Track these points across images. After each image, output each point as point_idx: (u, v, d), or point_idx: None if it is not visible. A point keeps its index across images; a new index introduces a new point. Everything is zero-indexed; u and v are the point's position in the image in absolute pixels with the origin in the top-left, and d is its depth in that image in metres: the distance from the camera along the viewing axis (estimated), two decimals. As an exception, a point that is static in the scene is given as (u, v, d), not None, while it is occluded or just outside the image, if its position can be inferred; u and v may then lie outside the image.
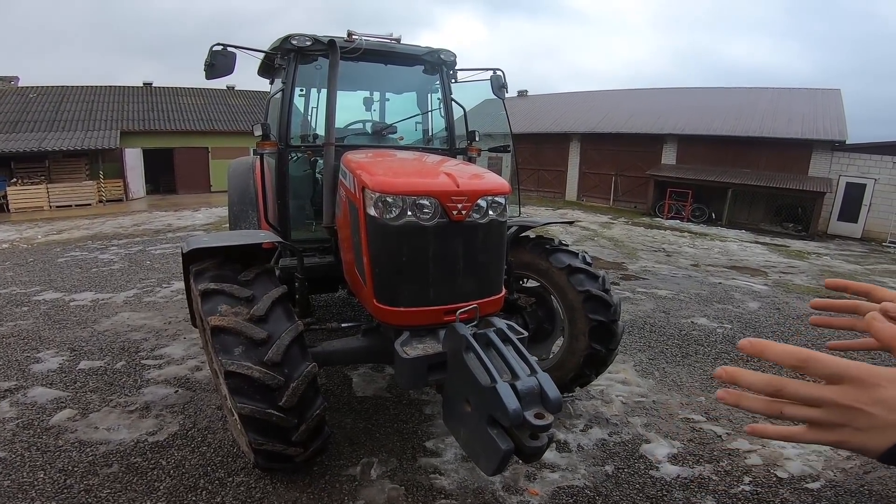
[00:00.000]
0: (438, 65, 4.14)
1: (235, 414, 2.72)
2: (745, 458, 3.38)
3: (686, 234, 14.47)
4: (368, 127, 4.42)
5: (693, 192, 17.36)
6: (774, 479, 3.17)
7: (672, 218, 17.53)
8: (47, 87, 22.42)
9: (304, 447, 2.60)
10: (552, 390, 2.16)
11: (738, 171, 17.11)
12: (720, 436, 3.64)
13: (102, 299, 6.57)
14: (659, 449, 3.43)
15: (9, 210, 17.11)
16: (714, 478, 3.15)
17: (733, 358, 5.09)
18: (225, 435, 3.40)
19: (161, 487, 2.85)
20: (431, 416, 3.75)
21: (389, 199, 2.57)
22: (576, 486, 3.03)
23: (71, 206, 17.94)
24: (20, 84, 22.39)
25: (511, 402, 2.06)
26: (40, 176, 18.18)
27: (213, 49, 3.24)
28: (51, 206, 17.68)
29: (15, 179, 17.73)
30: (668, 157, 19.15)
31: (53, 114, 20.60)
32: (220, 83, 25.01)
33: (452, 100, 4.27)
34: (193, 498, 2.78)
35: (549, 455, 3.23)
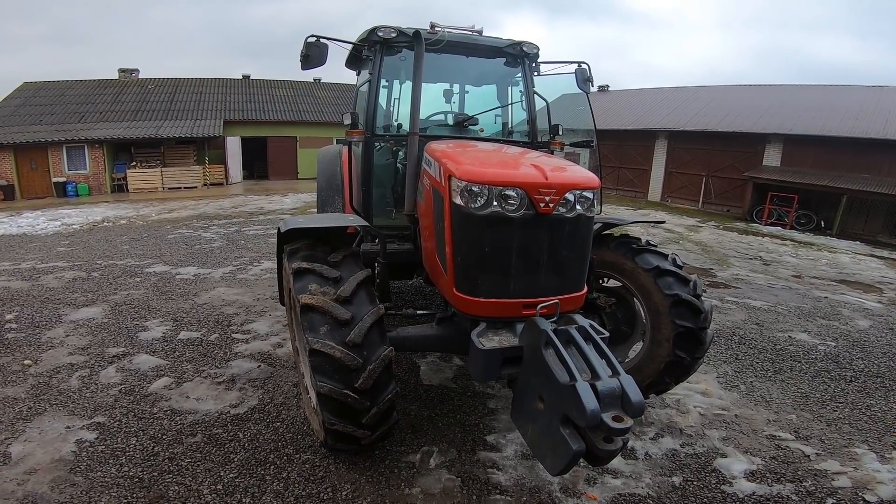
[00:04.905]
0: (521, 57, 4.07)
1: (312, 392, 2.84)
2: (833, 479, 3.10)
3: (788, 242, 13.18)
4: (450, 118, 4.44)
5: (799, 198, 15.76)
6: (861, 502, 2.91)
7: (772, 224, 16.03)
8: (163, 78, 24.90)
9: (372, 430, 2.66)
10: (635, 393, 2.06)
11: (856, 177, 15.24)
12: (808, 455, 3.34)
13: (203, 274, 7.20)
14: (736, 464, 3.21)
15: (128, 190, 19.30)
16: (794, 497, 2.91)
17: (835, 377, 4.59)
18: (297, 412, 3.57)
19: (235, 459, 3.04)
20: (495, 410, 3.73)
21: (476, 189, 2.56)
22: (638, 494, 2.90)
23: (180, 188, 19.88)
24: (140, 76, 24.98)
25: (590, 401, 1.99)
26: (156, 160, 20.27)
27: (308, 40, 3.39)
28: (164, 188, 19.69)
29: (134, 163, 19.93)
30: (772, 158, 17.47)
31: (168, 104, 22.85)
32: (308, 76, 26.51)
33: (535, 92, 4.18)
34: (262, 472, 2.94)
35: (614, 461, 3.10)
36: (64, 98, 22.04)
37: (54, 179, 18.63)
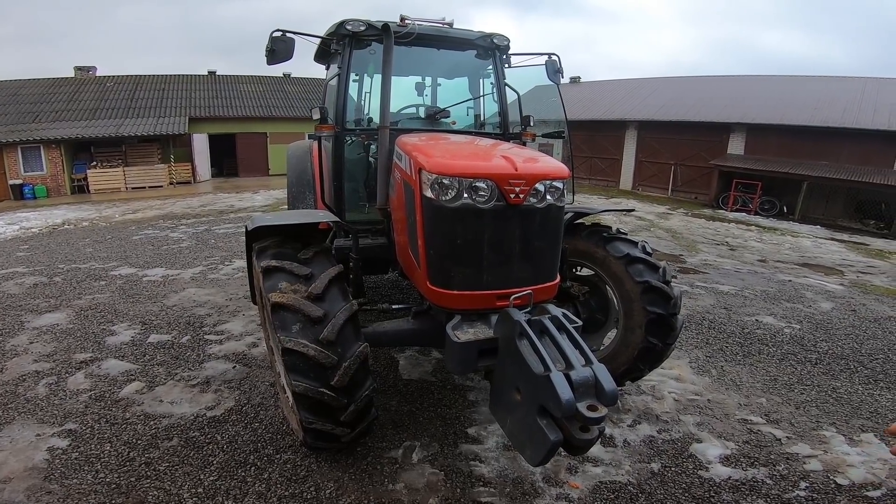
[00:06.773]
0: (492, 49, 4.07)
1: (288, 391, 2.80)
2: (805, 462, 3.21)
3: (753, 227, 13.63)
4: (421, 111, 4.41)
5: (762, 185, 16.30)
6: (833, 485, 3.01)
7: (738, 210, 16.56)
8: (123, 76, 23.95)
9: (351, 427, 2.64)
10: (608, 382, 2.09)
11: (815, 164, 15.86)
12: (779, 439, 3.45)
13: (172, 275, 6.99)
14: (711, 449, 3.29)
15: (89, 191, 18.58)
16: (768, 481, 3.00)
17: (801, 360, 4.76)
18: (276, 412, 3.52)
19: (215, 462, 2.99)
20: (475, 402, 3.74)
21: (446, 181, 2.54)
22: (619, 481, 2.95)
23: (145, 187, 19.23)
24: (99, 74, 23.98)
25: (564, 392, 2.00)
26: (118, 160, 19.55)
27: (273, 35, 3.31)
28: (127, 188, 19.02)
29: (95, 163, 19.18)
30: (736, 147, 18.02)
31: (128, 101, 22.00)
32: (277, 70, 25.94)
33: (506, 84, 4.19)
34: (243, 473, 2.89)
35: (594, 449, 3.15)
36: (17, 97, 21.00)
37: (10, 182, 17.78)
